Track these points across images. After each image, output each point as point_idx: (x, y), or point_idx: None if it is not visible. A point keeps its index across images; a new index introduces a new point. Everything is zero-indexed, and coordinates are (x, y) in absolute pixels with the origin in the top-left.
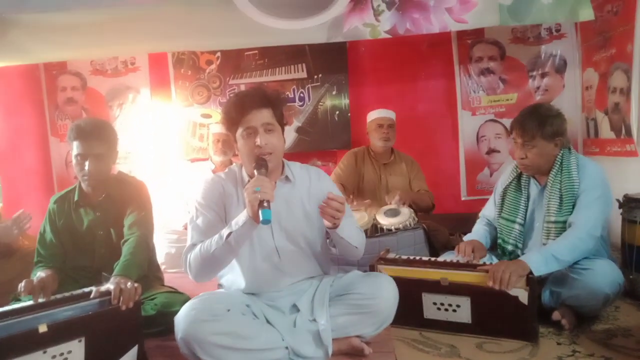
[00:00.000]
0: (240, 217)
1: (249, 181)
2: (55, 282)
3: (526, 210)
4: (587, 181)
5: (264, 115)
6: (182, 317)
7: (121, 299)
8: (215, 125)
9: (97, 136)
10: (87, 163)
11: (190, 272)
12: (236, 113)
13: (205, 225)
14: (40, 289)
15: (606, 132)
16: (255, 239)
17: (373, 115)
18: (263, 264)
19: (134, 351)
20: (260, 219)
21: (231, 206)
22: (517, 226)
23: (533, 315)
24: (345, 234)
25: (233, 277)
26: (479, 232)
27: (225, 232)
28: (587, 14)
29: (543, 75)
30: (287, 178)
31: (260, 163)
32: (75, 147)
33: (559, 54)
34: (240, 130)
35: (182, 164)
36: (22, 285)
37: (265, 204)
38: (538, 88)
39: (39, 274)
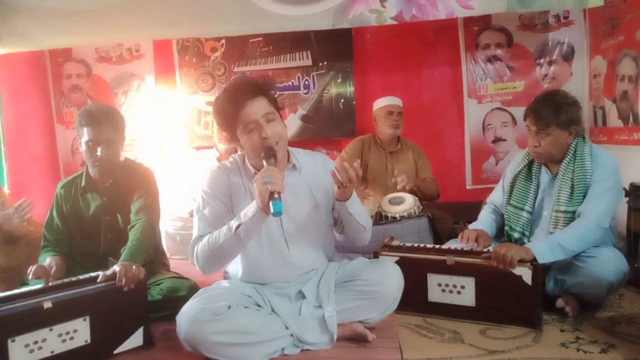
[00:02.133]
0: (250, 209)
1: (255, 173)
2: (63, 268)
3: (535, 198)
4: (600, 172)
5: (261, 105)
6: (183, 318)
7: (124, 280)
8: None
9: (108, 122)
10: (99, 149)
11: (197, 264)
12: (231, 109)
13: (213, 216)
14: (49, 274)
15: (614, 120)
16: (264, 230)
17: (382, 103)
18: (271, 255)
19: (139, 333)
20: (272, 211)
21: (238, 196)
22: (525, 214)
23: (537, 300)
24: (354, 210)
25: (239, 266)
26: (485, 220)
27: (234, 224)
28: (595, 0)
29: (550, 63)
30: (294, 167)
31: (270, 153)
32: (86, 133)
33: (566, 42)
34: (240, 127)
35: (186, 152)
36: (31, 269)
37: (276, 196)
38: (545, 76)
39: (48, 259)
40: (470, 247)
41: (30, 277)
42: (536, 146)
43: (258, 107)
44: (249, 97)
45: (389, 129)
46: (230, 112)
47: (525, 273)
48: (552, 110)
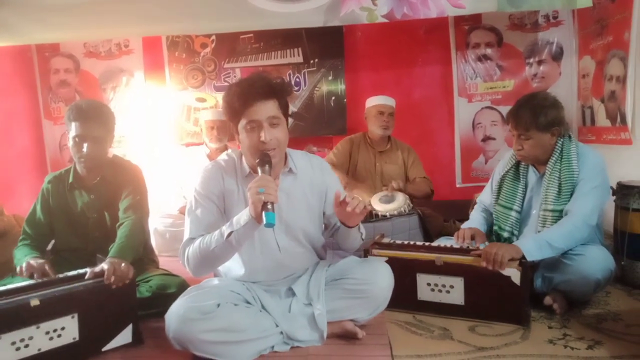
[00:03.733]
0: (242, 216)
1: (250, 173)
2: (52, 268)
3: (523, 198)
4: (587, 170)
5: (269, 108)
6: (172, 317)
7: (113, 278)
8: (208, 112)
9: (97, 118)
10: (85, 145)
11: (188, 267)
12: (239, 104)
13: (205, 218)
14: (41, 271)
15: (602, 120)
16: (256, 233)
17: (373, 102)
18: (263, 258)
19: (128, 330)
20: (264, 222)
21: (232, 199)
22: (513, 213)
23: (525, 298)
24: (356, 235)
25: (230, 264)
26: (477, 220)
27: (226, 230)
28: (584, 0)
29: (540, 63)
30: (290, 170)
31: (264, 159)
32: (73, 128)
33: (556, 42)
34: (243, 123)
35: (176, 148)
36: (23, 267)
37: (269, 206)
38: (535, 75)
39: (32, 261)
40: (467, 245)
41: (24, 274)
42: (519, 149)
43: (266, 109)
44: (260, 97)
45: (378, 129)
46: (237, 106)
47: (514, 274)
48: (530, 114)
